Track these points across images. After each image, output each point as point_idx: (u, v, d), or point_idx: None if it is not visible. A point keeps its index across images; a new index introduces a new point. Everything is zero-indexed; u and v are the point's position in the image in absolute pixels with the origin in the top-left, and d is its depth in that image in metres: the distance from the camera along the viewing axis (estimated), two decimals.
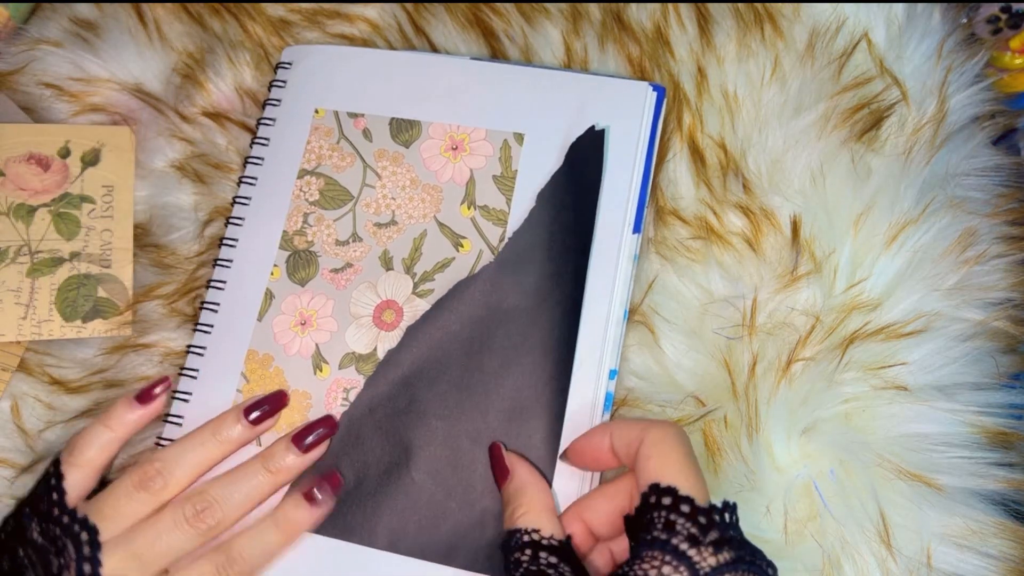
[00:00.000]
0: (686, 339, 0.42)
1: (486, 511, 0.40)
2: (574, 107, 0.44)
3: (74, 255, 0.46)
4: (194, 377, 0.44)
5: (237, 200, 0.46)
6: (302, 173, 0.46)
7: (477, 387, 0.41)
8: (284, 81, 0.47)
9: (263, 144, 0.46)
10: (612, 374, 0.41)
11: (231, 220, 0.46)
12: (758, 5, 0.46)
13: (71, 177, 0.46)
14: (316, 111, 0.46)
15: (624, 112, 0.43)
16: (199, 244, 0.47)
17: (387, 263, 0.44)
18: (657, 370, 0.42)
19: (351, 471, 0.41)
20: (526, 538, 0.34)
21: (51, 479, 0.38)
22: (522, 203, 0.43)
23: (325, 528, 0.41)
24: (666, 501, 0.32)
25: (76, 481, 0.38)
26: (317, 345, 0.43)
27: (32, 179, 0.46)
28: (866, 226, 0.43)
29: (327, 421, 0.41)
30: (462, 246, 0.43)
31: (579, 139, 0.43)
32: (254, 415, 0.41)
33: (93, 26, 0.49)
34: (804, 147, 0.44)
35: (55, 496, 0.37)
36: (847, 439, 0.40)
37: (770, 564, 0.31)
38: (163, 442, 0.43)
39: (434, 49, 0.48)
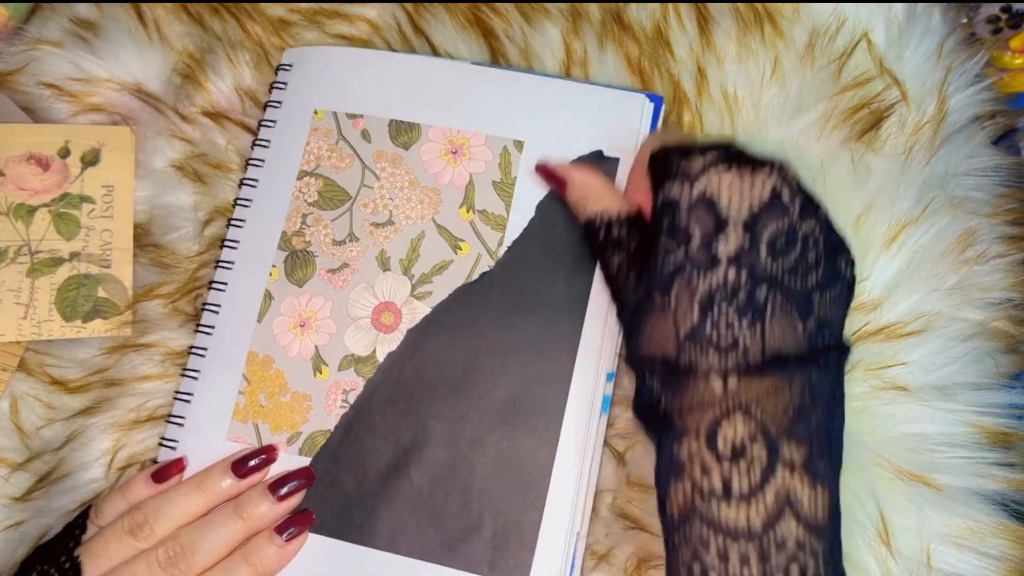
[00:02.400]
0: None
1: (484, 511, 0.40)
2: (572, 117, 0.44)
3: (74, 255, 0.46)
4: (195, 378, 0.44)
5: (238, 202, 0.46)
6: (302, 174, 0.46)
7: (476, 390, 0.41)
8: (284, 83, 0.47)
9: (263, 146, 0.47)
10: (609, 376, 0.41)
11: (232, 222, 0.46)
12: (758, 5, 0.46)
13: (71, 177, 0.47)
14: (315, 112, 0.46)
15: (620, 124, 0.44)
16: (199, 244, 0.47)
17: (384, 263, 0.44)
18: None
19: (350, 472, 0.41)
20: (598, 221, 0.39)
21: (75, 530, 0.40)
22: (521, 209, 0.43)
23: (325, 528, 0.41)
24: (665, 152, 0.36)
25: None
26: (316, 347, 0.43)
27: (32, 179, 0.46)
28: (866, 226, 0.43)
29: (304, 472, 0.41)
30: (460, 249, 0.43)
31: (582, 158, 0.43)
32: (242, 470, 0.41)
33: (93, 26, 0.49)
34: (804, 147, 0.44)
35: (71, 544, 0.39)
36: (846, 439, 0.40)
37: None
38: (166, 443, 0.43)
39: (434, 49, 0.48)
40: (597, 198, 0.40)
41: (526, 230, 0.43)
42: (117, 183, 0.46)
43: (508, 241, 0.43)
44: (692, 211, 0.33)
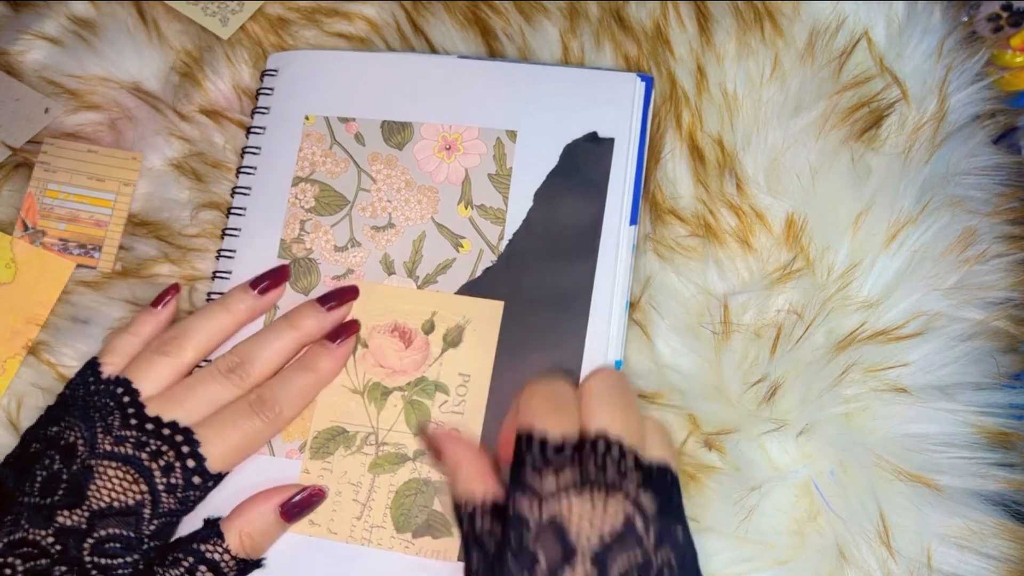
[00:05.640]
0: (682, 338, 0.42)
1: None
2: (564, 102, 0.44)
3: (418, 455, 0.41)
4: None
5: (232, 211, 0.46)
6: (296, 180, 0.45)
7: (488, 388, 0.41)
8: (271, 88, 0.47)
9: (254, 153, 0.46)
10: (617, 364, 0.41)
11: (227, 232, 0.45)
12: (758, 3, 0.46)
13: (430, 359, 0.42)
14: (307, 118, 0.46)
15: (613, 105, 0.43)
16: (195, 227, 0.47)
17: (388, 267, 0.44)
18: (654, 369, 0.42)
19: None
20: (463, 507, 0.36)
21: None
22: (519, 200, 0.43)
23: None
24: (524, 445, 0.35)
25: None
26: None
27: (392, 355, 0.42)
28: (865, 225, 0.43)
29: (350, 289, 0.43)
30: (462, 246, 0.43)
31: (576, 141, 0.43)
32: (260, 287, 0.43)
33: (91, 24, 0.49)
34: (803, 146, 0.44)
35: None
36: (846, 440, 0.40)
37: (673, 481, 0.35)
38: None
39: (432, 49, 0.48)
40: (465, 477, 0.37)
41: (525, 221, 0.43)
42: (475, 373, 0.41)
43: (508, 234, 0.43)
44: (540, 535, 0.32)
